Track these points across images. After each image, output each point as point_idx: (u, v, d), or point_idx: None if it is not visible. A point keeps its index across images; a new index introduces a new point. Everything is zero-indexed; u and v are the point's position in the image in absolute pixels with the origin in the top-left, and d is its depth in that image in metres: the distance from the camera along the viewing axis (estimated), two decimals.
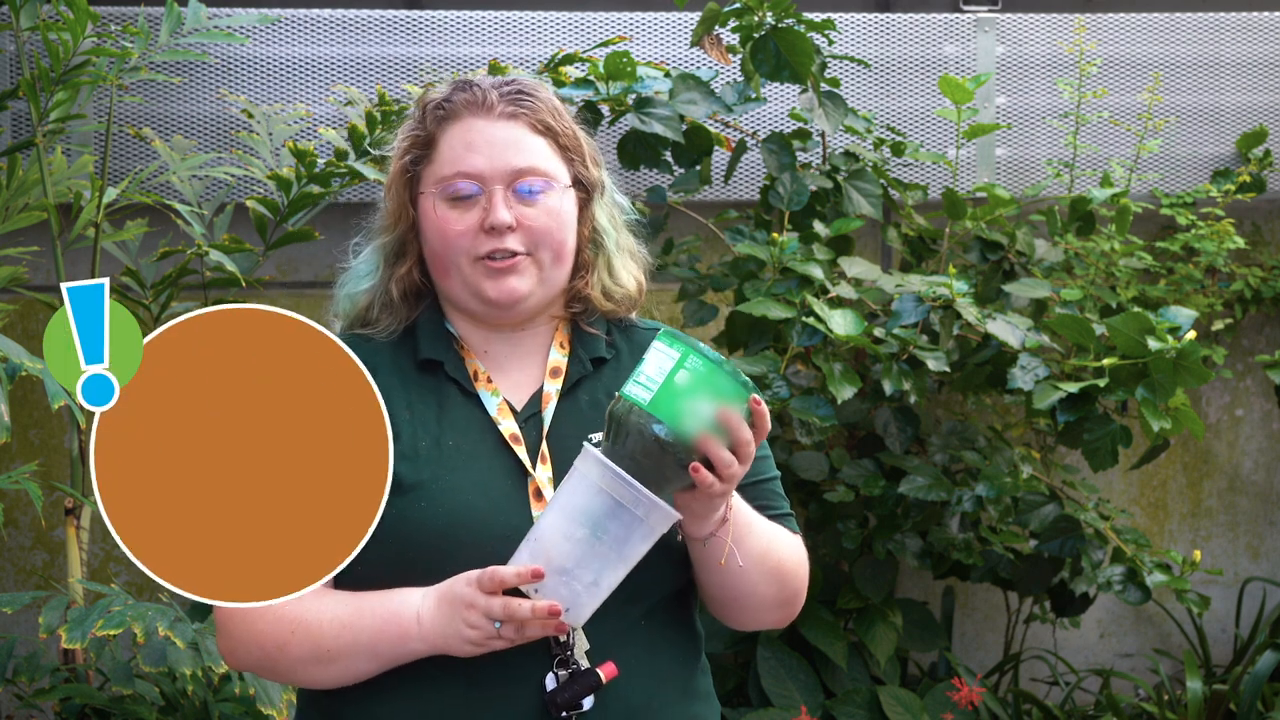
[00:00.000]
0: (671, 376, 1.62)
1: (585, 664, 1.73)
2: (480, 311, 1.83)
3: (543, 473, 1.77)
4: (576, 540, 1.62)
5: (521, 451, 1.78)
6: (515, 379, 1.84)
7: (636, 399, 1.63)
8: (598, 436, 1.73)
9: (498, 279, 1.79)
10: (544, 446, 1.79)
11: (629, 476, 1.61)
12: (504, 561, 1.65)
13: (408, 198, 1.83)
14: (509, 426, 1.79)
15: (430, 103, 1.83)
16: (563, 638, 1.72)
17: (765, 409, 1.65)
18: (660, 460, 1.62)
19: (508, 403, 1.81)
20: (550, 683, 1.72)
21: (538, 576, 1.62)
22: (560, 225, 1.82)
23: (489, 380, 1.82)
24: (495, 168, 1.78)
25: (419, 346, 1.83)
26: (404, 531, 1.72)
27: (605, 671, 1.71)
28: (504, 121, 1.80)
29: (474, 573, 1.65)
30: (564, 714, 1.71)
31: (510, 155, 1.79)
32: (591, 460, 1.63)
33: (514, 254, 1.79)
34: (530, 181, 1.80)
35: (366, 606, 1.71)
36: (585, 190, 1.87)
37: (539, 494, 1.76)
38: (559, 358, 1.85)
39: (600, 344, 1.87)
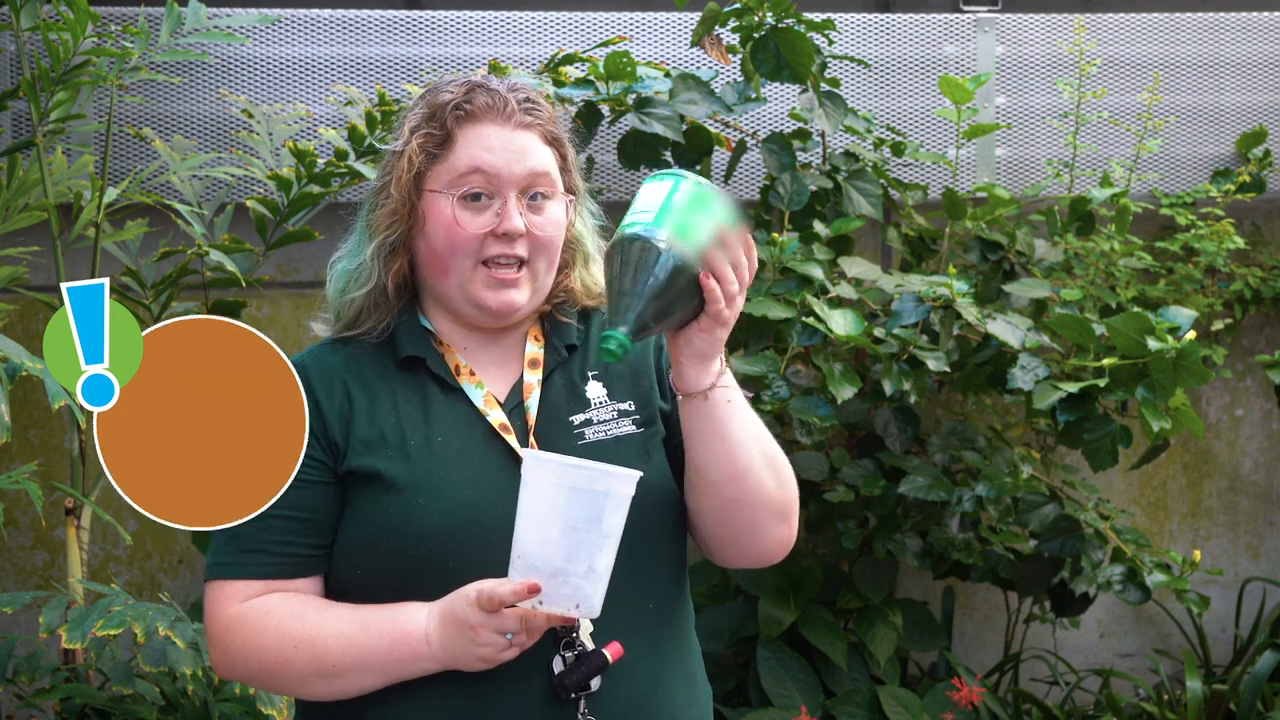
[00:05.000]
0: (670, 198, 1.69)
1: (591, 646, 1.74)
2: (471, 316, 1.85)
3: None
4: (554, 540, 1.63)
5: (513, 440, 1.80)
6: (494, 373, 1.86)
7: (638, 223, 1.67)
8: (579, 417, 1.82)
9: (498, 290, 1.81)
10: (532, 436, 1.81)
11: (574, 460, 1.64)
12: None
13: (413, 194, 1.83)
14: (498, 417, 1.81)
15: (447, 103, 1.83)
16: None
17: (752, 241, 1.72)
18: (668, 281, 1.66)
19: (492, 395, 1.83)
20: (557, 665, 1.74)
21: (534, 591, 1.63)
22: (560, 234, 1.85)
23: (471, 373, 1.84)
24: (513, 173, 1.81)
25: (399, 345, 1.84)
26: (404, 530, 1.73)
27: (611, 652, 1.73)
28: (520, 130, 1.83)
29: (471, 593, 1.66)
30: (573, 696, 1.73)
31: (526, 163, 1.82)
32: (534, 461, 1.65)
33: (519, 263, 1.81)
34: (540, 190, 1.83)
35: (373, 624, 1.72)
36: (570, 195, 1.89)
37: None
38: (535, 350, 1.88)
39: (573, 331, 1.91)
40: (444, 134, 1.82)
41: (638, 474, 1.65)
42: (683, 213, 1.68)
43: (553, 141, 1.86)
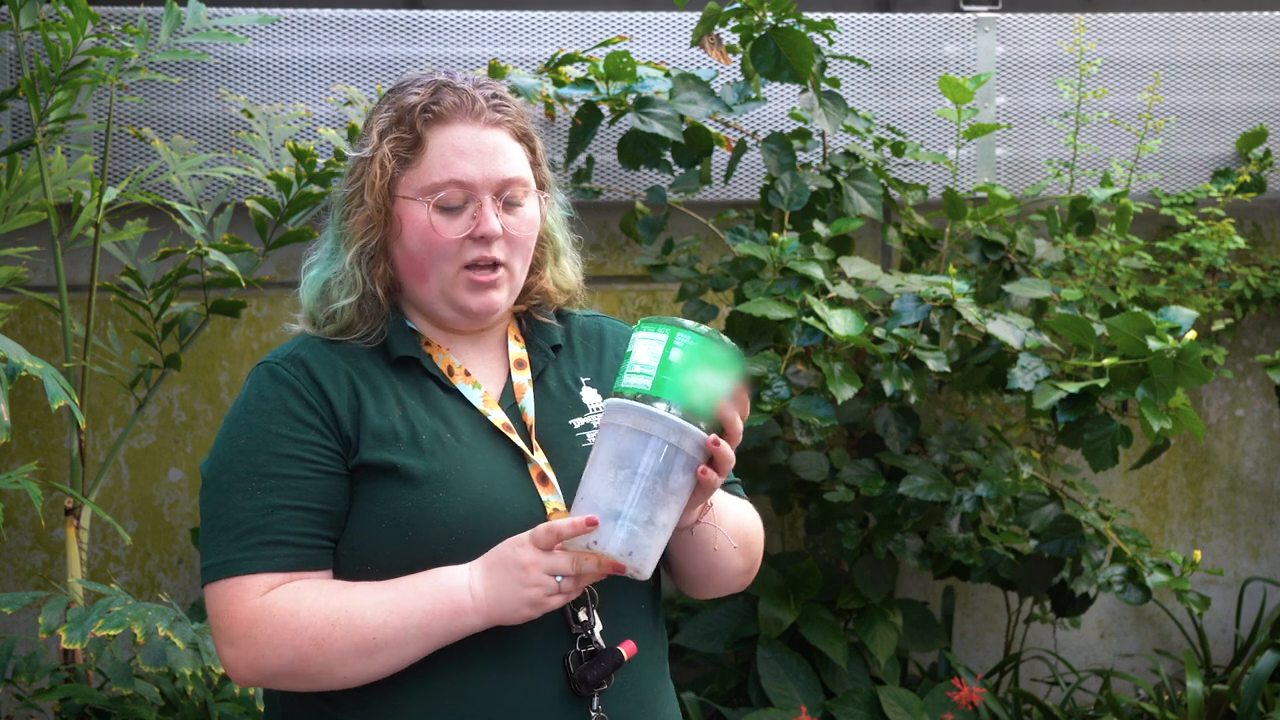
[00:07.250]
0: (666, 356, 1.65)
1: (603, 644, 1.75)
2: (451, 318, 1.85)
3: (540, 458, 1.80)
4: (620, 483, 1.63)
5: (517, 439, 1.80)
6: (482, 373, 1.87)
7: (637, 387, 1.65)
8: (578, 421, 1.82)
9: (479, 292, 1.81)
10: (534, 437, 1.81)
11: (653, 408, 1.62)
12: None
13: (387, 200, 1.82)
14: (499, 416, 1.81)
15: (414, 105, 1.81)
16: (583, 617, 1.75)
17: (745, 396, 1.70)
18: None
19: (490, 395, 1.84)
20: (571, 662, 1.74)
21: (592, 524, 1.63)
22: (534, 232, 1.85)
23: (466, 374, 1.84)
24: (486, 176, 1.80)
25: (391, 346, 1.84)
26: (424, 524, 1.73)
27: (627, 650, 1.74)
28: (490, 128, 1.82)
29: (524, 534, 1.67)
30: (590, 693, 1.74)
31: (499, 164, 1.81)
32: (614, 407, 1.65)
33: (497, 264, 1.81)
34: (514, 191, 1.82)
35: (410, 589, 1.70)
36: (543, 190, 1.90)
37: (543, 478, 1.78)
38: (519, 350, 1.89)
39: (556, 331, 1.92)
40: (414, 138, 1.80)
41: (707, 437, 1.65)
42: (682, 372, 1.64)
43: (522, 137, 1.85)
